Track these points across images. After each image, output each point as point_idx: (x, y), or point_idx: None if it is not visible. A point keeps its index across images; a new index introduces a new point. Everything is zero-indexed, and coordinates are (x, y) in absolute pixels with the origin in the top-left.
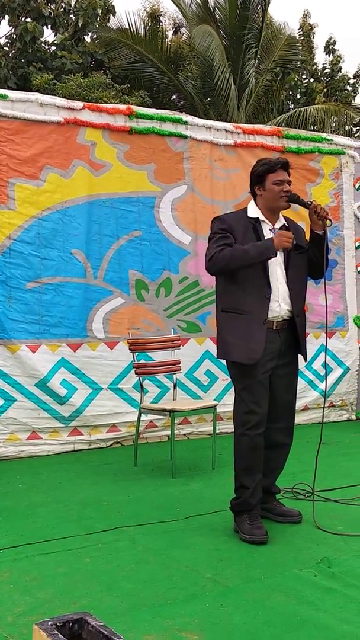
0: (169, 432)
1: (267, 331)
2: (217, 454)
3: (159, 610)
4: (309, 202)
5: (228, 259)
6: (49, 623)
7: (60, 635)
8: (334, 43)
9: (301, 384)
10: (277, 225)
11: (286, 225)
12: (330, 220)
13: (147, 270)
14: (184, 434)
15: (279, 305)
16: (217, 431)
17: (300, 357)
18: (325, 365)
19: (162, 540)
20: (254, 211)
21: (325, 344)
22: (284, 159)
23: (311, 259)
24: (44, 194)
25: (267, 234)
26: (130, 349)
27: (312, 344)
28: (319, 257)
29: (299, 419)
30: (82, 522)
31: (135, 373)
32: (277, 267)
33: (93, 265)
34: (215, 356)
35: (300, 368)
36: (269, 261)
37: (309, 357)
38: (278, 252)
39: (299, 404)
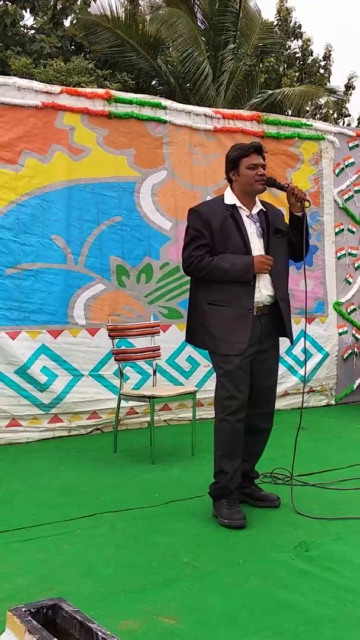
0: (149, 419)
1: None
2: (197, 439)
3: (137, 595)
4: (286, 185)
5: (206, 272)
6: (23, 609)
7: (34, 621)
8: (300, 27)
9: (281, 369)
10: (255, 210)
11: (264, 210)
12: (308, 201)
13: (127, 256)
14: (165, 420)
15: (260, 291)
16: (198, 417)
17: (286, 340)
18: (305, 350)
19: (141, 526)
20: (230, 197)
21: (304, 329)
22: (257, 143)
23: (291, 242)
24: (23, 179)
25: (245, 221)
26: (109, 336)
27: (293, 329)
28: (299, 239)
29: (279, 404)
30: (61, 509)
31: (115, 360)
32: (256, 253)
33: (74, 251)
34: (189, 342)
35: (281, 354)
36: (250, 247)
37: (288, 343)
38: (257, 238)
39: (279, 389)
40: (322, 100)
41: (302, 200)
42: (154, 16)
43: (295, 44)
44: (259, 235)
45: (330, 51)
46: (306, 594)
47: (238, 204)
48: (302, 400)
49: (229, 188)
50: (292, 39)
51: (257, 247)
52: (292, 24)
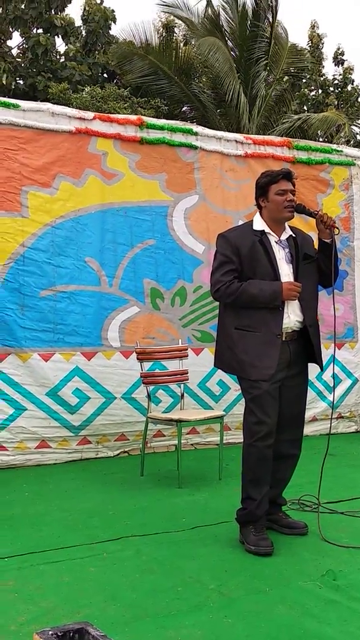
0: (176, 442)
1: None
2: (224, 464)
3: (162, 620)
4: (315, 212)
5: (234, 297)
6: (50, 632)
7: None
8: (342, 53)
9: (310, 394)
10: (284, 236)
11: (293, 235)
12: (337, 228)
13: (161, 279)
14: (192, 444)
15: (288, 316)
16: (225, 441)
17: (315, 366)
18: (333, 376)
19: (167, 550)
20: (259, 223)
21: (333, 354)
22: (286, 169)
23: (320, 267)
24: (58, 202)
25: (274, 247)
26: (138, 359)
27: (323, 354)
28: (328, 265)
29: (307, 429)
30: (88, 532)
31: (143, 383)
32: (285, 279)
33: (108, 274)
34: (218, 367)
35: (311, 378)
36: (280, 273)
37: (318, 368)
38: (286, 263)
39: (308, 414)
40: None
41: (331, 227)
42: (190, 44)
43: (336, 70)
44: (288, 261)
45: None
46: (333, 624)
47: (267, 229)
48: (330, 426)
49: (258, 214)
50: (333, 64)
51: (286, 272)
52: (336, 50)
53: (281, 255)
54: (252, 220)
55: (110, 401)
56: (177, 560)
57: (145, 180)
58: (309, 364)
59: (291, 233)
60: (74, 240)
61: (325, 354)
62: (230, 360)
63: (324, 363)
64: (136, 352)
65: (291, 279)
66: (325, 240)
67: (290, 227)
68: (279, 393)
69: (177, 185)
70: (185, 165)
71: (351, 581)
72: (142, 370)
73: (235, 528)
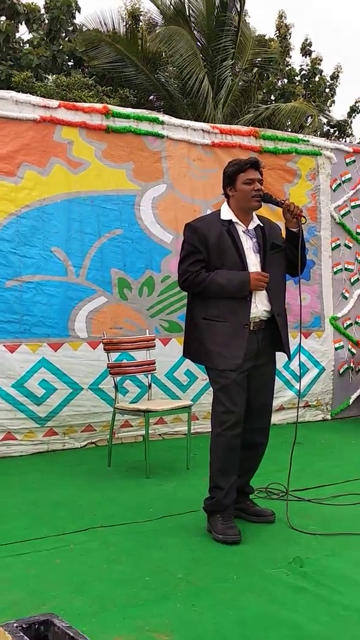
0: (143, 432)
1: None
2: (192, 454)
3: (130, 610)
4: (282, 201)
5: (202, 288)
6: (14, 624)
7: (26, 637)
8: (310, 44)
9: (278, 383)
10: (251, 226)
11: (261, 225)
12: (304, 217)
13: (129, 269)
14: (159, 434)
15: (256, 306)
16: (193, 431)
17: (283, 355)
18: (300, 365)
19: (134, 540)
20: (226, 213)
21: (299, 343)
22: (254, 158)
23: (288, 257)
24: (23, 191)
25: (242, 236)
26: (104, 349)
27: (290, 343)
28: (295, 254)
29: (275, 418)
30: (55, 523)
31: (110, 373)
32: (253, 268)
33: (75, 264)
34: (187, 357)
35: (278, 367)
36: (247, 263)
37: (285, 357)
38: (254, 253)
39: (275, 403)
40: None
41: (298, 217)
42: (155, 33)
43: (303, 61)
44: (256, 251)
45: (339, 72)
46: (301, 610)
47: (234, 219)
48: (297, 415)
49: (225, 203)
50: (302, 55)
51: (253, 262)
52: (304, 41)
53: (249, 245)
54: (219, 210)
55: (77, 392)
56: (145, 550)
57: (112, 169)
58: (277, 353)
59: (259, 222)
60: (39, 229)
61: (292, 343)
62: (198, 350)
63: (291, 352)
64: (103, 343)
65: (258, 268)
66: (292, 230)
67: (257, 216)
68: (247, 382)
69: (144, 175)
70: (153, 154)
71: (318, 568)
72: (109, 360)
73: (203, 517)
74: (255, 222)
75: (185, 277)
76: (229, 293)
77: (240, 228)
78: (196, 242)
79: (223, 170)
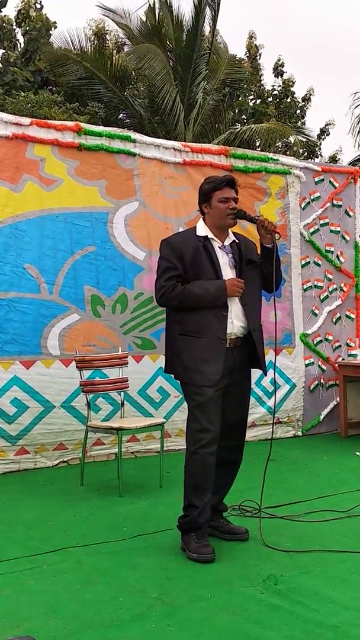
0: (116, 450)
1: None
2: (165, 472)
3: (105, 631)
4: (256, 217)
5: (179, 301)
6: None
7: None
8: (283, 65)
9: (250, 400)
10: (227, 241)
11: (236, 241)
12: (278, 233)
13: (102, 286)
14: (132, 452)
15: (232, 322)
16: (166, 448)
17: (255, 372)
18: (274, 382)
19: (108, 560)
20: (202, 229)
21: (274, 360)
22: (230, 176)
23: (263, 272)
24: None
25: (218, 252)
26: (77, 367)
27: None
28: (271, 270)
29: (247, 435)
30: (27, 544)
31: (82, 391)
32: None
33: (48, 281)
34: (164, 371)
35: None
36: (222, 277)
37: (259, 374)
38: (230, 268)
39: (247, 420)
40: (292, 139)
41: (272, 232)
42: (122, 51)
43: (275, 81)
44: (232, 266)
45: (310, 94)
46: (276, 628)
47: (210, 235)
48: (272, 431)
49: (201, 220)
50: (274, 76)
51: (229, 277)
52: (276, 62)
53: (225, 260)
54: (195, 227)
55: (49, 410)
56: (119, 569)
57: (84, 186)
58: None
59: (234, 239)
60: (12, 246)
61: (265, 359)
62: (177, 365)
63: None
64: (75, 361)
65: None
66: (267, 245)
67: (233, 232)
68: (222, 400)
69: (117, 192)
70: (125, 172)
71: (292, 585)
72: (81, 378)
73: (177, 536)
74: (231, 238)
75: (162, 292)
76: (206, 302)
77: (216, 244)
78: (172, 258)
79: (199, 187)
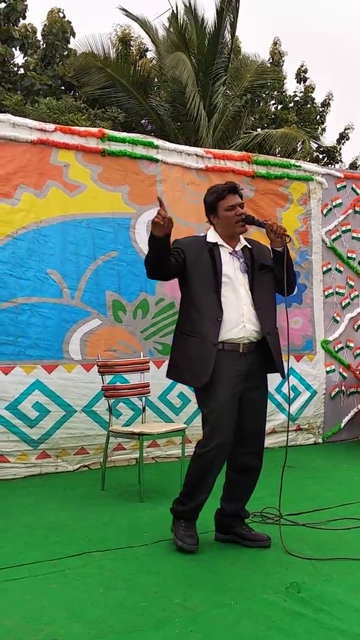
0: (137, 455)
1: (232, 354)
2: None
3: (128, 637)
4: (265, 222)
5: (147, 254)
6: None
7: None
8: (306, 71)
9: (270, 407)
10: (238, 247)
11: (248, 246)
12: (288, 236)
13: (124, 292)
14: (153, 457)
15: (244, 326)
16: (186, 454)
17: (275, 377)
18: (289, 388)
19: (130, 565)
20: (212, 237)
21: (288, 366)
22: (231, 183)
23: (276, 276)
24: (19, 213)
25: (225, 257)
26: (99, 372)
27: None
28: (282, 273)
29: (267, 442)
30: (49, 548)
31: (104, 396)
32: (241, 288)
33: (70, 286)
34: (166, 375)
35: (270, 390)
36: (234, 283)
37: (279, 380)
38: (241, 273)
39: (267, 426)
40: (301, 140)
41: (282, 236)
42: (145, 57)
43: (297, 87)
44: (244, 271)
45: (330, 99)
46: (299, 636)
47: (220, 242)
48: (287, 438)
49: (211, 229)
50: (296, 81)
51: (242, 282)
52: (299, 67)
53: (236, 265)
54: (206, 234)
55: (71, 414)
56: (141, 575)
57: (107, 192)
58: (270, 375)
59: (246, 244)
60: (36, 251)
61: (285, 366)
62: (171, 364)
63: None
64: (97, 365)
65: (247, 288)
66: (277, 249)
67: (246, 239)
68: (238, 406)
69: (139, 198)
70: (147, 178)
71: (315, 593)
72: (103, 383)
73: (201, 542)
74: (243, 243)
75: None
76: (151, 244)
77: (226, 250)
78: (177, 245)
79: (203, 199)
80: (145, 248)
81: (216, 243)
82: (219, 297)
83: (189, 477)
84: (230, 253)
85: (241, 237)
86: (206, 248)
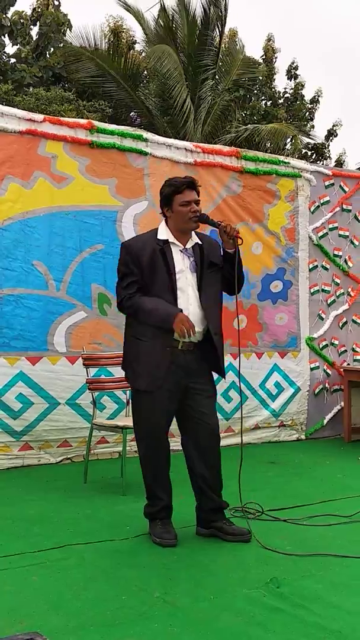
0: (120, 449)
1: (172, 352)
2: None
3: (107, 630)
4: (219, 223)
5: (133, 312)
6: None
7: None
8: (297, 68)
9: (253, 402)
10: (189, 244)
11: (199, 243)
12: (240, 238)
13: (110, 285)
14: (136, 451)
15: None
16: (172, 448)
17: (258, 374)
18: (240, 391)
19: (111, 558)
20: (164, 232)
21: (239, 364)
22: (190, 178)
23: (225, 276)
24: (6, 204)
25: (177, 256)
26: (84, 364)
27: (266, 362)
28: (232, 274)
29: (250, 437)
30: (30, 539)
31: (88, 389)
32: (189, 288)
33: (55, 278)
34: (121, 367)
35: (254, 386)
36: (180, 282)
37: (262, 376)
38: (191, 272)
39: (250, 422)
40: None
41: (234, 238)
42: (134, 49)
43: (287, 84)
44: (193, 270)
45: (319, 96)
46: (278, 631)
47: (171, 239)
48: (242, 441)
49: (163, 222)
50: (287, 78)
51: (190, 281)
52: (290, 64)
53: (186, 264)
54: (157, 229)
55: (54, 407)
56: (122, 568)
57: (95, 184)
58: (257, 372)
59: (197, 241)
60: (22, 242)
61: (269, 362)
62: (127, 367)
63: (267, 371)
64: (82, 358)
65: (195, 287)
66: (229, 251)
67: (197, 233)
68: (181, 401)
69: (126, 191)
70: (135, 171)
71: (295, 588)
72: (87, 375)
73: (180, 536)
74: (194, 240)
75: (120, 300)
76: (153, 321)
77: (177, 247)
78: (129, 263)
79: (160, 190)
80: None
81: (167, 240)
82: (175, 298)
83: (145, 472)
84: (181, 251)
85: (193, 233)
86: (157, 248)
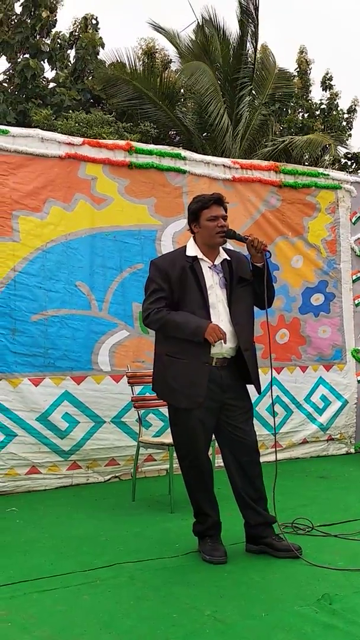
0: (167, 466)
1: (208, 368)
2: (216, 487)
3: None
4: (246, 237)
5: (161, 325)
6: None
7: None
8: (331, 78)
9: (300, 417)
10: (218, 261)
11: (228, 259)
12: (269, 251)
13: None
14: None
15: (221, 343)
16: (217, 465)
17: (303, 388)
18: (272, 403)
19: (161, 576)
20: (192, 249)
21: (271, 376)
22: (217, 194)
23: (255, 290)
24: (48, 227)
25: (206, 272)
26: (128, 383)
27: (311, 376)
28: (262, 288)
29: (298, 452)
30: (80, 558)
31: (134, 407)
32: (219, 304)
33: (97, 298)
34: (153, 391)
35: (299, 401)
36: (211, 298)
37: (307, 390)
38: (220, 288)
39: (298, 437)
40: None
41: (262, 251)
42: (169, 68)
43: (323, 95)
44: (222, 286)
45: (356, 105)
46: None
47: (200, 255)
48: (276, 455)
49: (191, 239)
50: (321, 89)
51: (220, 297)
52: (324, 75)
53: (215, 280)
54: (185, 246)
55: (100, 425)
56: (172, 586)
57: (134, 204)
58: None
59: (226, 256)
60: (64, 264)
61: (314, 375)
62: (162, 387)
63: (312, 385)
64: (127, 376)
65: (225, 303)
66: (257, 265)
67: (225, 250)
68: (218, 419)
69: (165, 210)
70: (174, 190)
71: (347, 605)
72: (132, 394)
73: (230, 553)
74: (222, 256)
75: (147, 314)
76: (183, 334)
77: (206, 264)
78: (159, 280)
79: (187, 207)
80: None
81: (196, 257)
82: (208, 314)
83: (187, 487)
84: (210, 267)
85: (220, 249)
86: (187, 265)
